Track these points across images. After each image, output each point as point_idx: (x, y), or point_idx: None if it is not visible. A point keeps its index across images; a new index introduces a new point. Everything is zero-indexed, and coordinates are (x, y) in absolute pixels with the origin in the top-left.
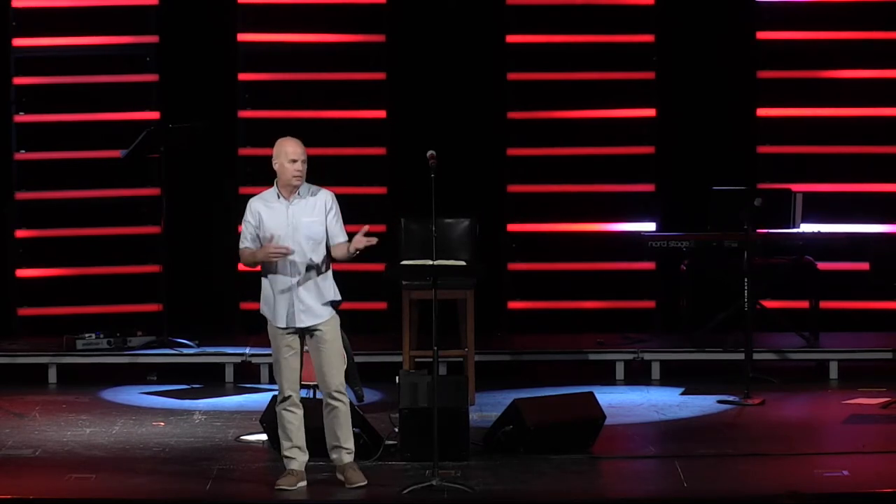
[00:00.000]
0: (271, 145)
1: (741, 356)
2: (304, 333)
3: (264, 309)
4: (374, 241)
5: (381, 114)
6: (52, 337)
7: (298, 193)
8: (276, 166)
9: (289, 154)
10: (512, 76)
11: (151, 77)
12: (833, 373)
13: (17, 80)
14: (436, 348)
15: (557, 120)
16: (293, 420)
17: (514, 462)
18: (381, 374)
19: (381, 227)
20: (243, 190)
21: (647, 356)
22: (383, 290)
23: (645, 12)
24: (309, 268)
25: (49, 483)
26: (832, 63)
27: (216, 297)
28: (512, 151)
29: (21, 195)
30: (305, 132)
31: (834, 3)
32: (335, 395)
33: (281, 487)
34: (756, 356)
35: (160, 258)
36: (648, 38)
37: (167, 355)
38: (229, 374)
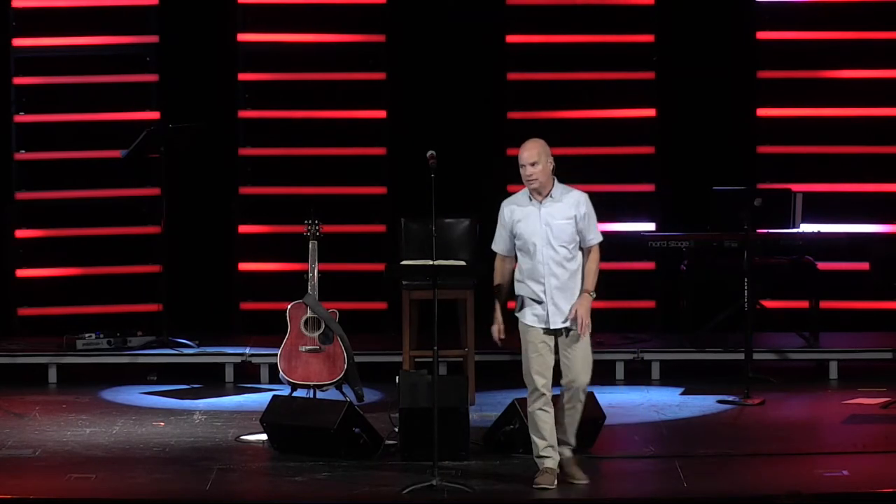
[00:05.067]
0: (271, 145)
1: (741, 356)
2: (557, 333)
3: (519, 309)
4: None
5: (381, 114)
6: (52, 337)
7: (551, 196)
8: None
9: (520, 159)
10: (512, 76)
11: (151, 77)
12: (833, 373)
13: (17, 80)
14: (436, 348)
15: (557, 120)
16: (547, 419)
17: (514, 462)
18: (381, 374)
19: (381, 228)
20: (243, 190)
21: (647, 356)
22: (383, 290)
23: (645, 12)
24: (563, 269)
25: (49, 483)
26: (832, 63)
27: (216, 297)
28: (512, 151)
29: (21, 195)
30: (305, 132)
31: (834, 3)
32: (580, 395)
33: (542, 486)
34: (756, 356)
35: (160, 258)
36: (648, 38)
37: (167, 355)
38: (229, 374)
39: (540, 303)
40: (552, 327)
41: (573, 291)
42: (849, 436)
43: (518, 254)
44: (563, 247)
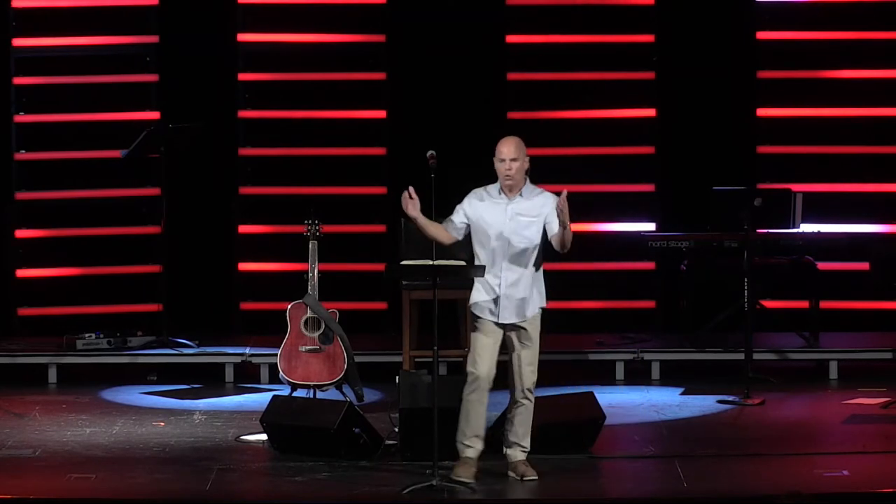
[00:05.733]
0: (271, 145)
1: (741, 356)
2: (507, 328)
3: (474, 300)
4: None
5: (381, 114)
6: (52, 337)
7: (521, 194)
8: (495, 164)
9: (500, 153)
10: (512, 76)
11: (151, 77)
12: (833, 373)
13: (17, 80)
14: (436, 348)
15: (557, 120)
16: (480, 410)
17: None
18: (381, 374)
19: (381, 228)
20: (243, 190)
21: (647, 356)
22: (383, 290)
23: (645, 12)
24: (520, 266)
25: (49, 483)
26: (832, 63)
27: (216, 297)
28: None
29: (21, 195)
30: (305, 132)
31: (834, 3)
32: (526, 393)
33: (461, 478)
34: (756, 356)
35: (160, 258)
36: (648, 38)
37: (167, 355)
38: (229, 374)
39: (493, 297)
40: (502, 321)
41: (527, 290)
42: (849, 436)
43: (476, 247)
44: (522, 244)
